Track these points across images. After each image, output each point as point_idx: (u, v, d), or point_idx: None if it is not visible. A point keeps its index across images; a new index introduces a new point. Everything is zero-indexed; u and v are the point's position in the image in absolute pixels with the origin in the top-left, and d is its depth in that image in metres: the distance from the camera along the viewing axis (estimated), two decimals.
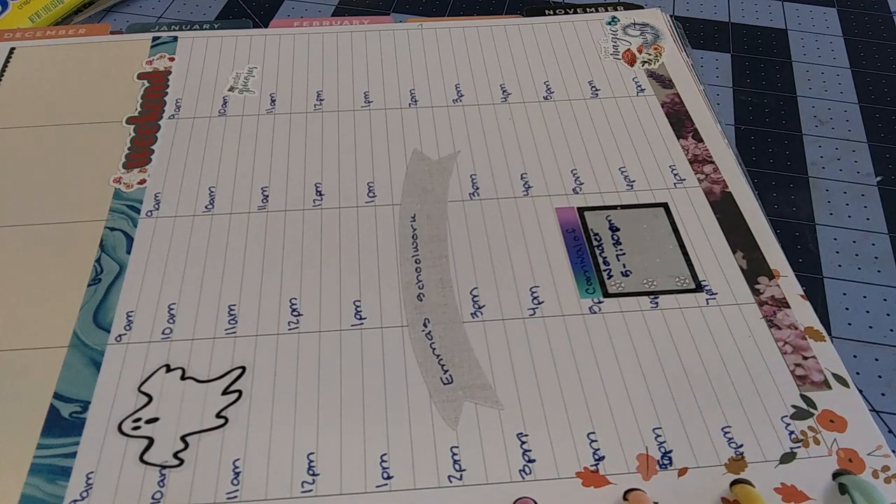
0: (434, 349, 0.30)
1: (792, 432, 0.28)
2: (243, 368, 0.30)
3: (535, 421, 0.28)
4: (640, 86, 0.41)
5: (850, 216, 0.37)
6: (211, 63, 0.42)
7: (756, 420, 0.28)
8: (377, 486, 0.27)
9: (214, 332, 0.31)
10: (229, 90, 0.41)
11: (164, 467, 0.27)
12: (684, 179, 0.37)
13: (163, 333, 0.31)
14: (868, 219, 0.37)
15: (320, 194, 0.36)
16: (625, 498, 0.26)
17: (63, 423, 0.28)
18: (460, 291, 0.32)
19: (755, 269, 0.33)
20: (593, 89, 0.41)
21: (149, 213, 0.35)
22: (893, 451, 0.27)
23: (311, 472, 0.27)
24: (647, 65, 0.43)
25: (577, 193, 0.36)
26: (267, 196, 0.36)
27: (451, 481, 0.27)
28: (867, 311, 0.33)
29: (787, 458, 0.27)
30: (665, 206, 0.36)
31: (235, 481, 0.27)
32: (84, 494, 0.26)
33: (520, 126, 0.39)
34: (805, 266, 0.35)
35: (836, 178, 0.39)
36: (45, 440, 0.28)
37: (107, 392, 0.29)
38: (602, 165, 0.37)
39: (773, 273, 0.33)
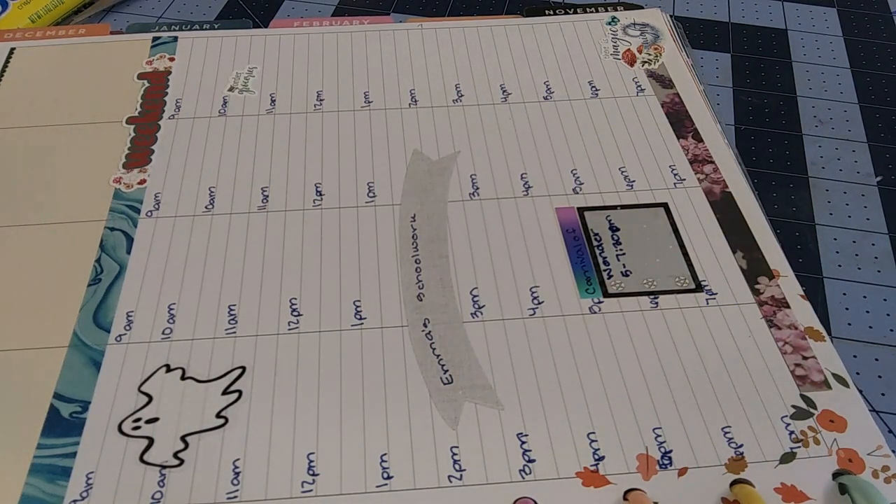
0: (434, 349, 0.30)
1: (792, 432, 0.28)
2: (243, 368, 0.30)
3: (535, 421, 0.28)
4: (640, 86, 0.41)
5: (850, 216, 0.37)
6: (211, 63, 0.42)
7: (756, 420, 0.28)
8: (377, 486, 0.27)
9: (214, 332, 0.31)
10: (229, 90, 0.41)
11: (164, 467, 0.27)
12: (684, 179, 0.37)
13: (163, 333, 0.31)
14: (868, 219, 0.37)
15: (320, 194, 0.36)
16: (625, 498, 0.26)
17: (63, 423, 0.28)
18: (460, 291, 0.32)
19: (755, 269, 0.33)
20: (593, 89, 0.41)
21: (149, 213, 0.35)
22: (893, 451, 0.27)
23: (311, 472, 0.27)
24: (647, 65, 0.43)
25: (577, 193, 0.36)
26: (267, 196, 0.36)
27: (451, 481, 0.27)
28: (867, 311, 0.33)
29: (787, 458, 0.27)
30: (665, 206, 0.36)
31: (235, 481, 0.27)
32: (84, 494, 0.26)
33: (520, 126, 0.39)
34: (805, 266, 0.35)
35: (836, 178, 0.39)
36: (45, 440, 0.28)
37: (107, 392, 0.29)
38: (602, 165, 0.37)
39: (773, 273, 0.33)
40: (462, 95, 0.41)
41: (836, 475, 0.27)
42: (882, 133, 0.41)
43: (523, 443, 0.28)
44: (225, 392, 0.29)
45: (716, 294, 0.32)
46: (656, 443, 0.28)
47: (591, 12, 0.46)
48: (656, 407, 0.29)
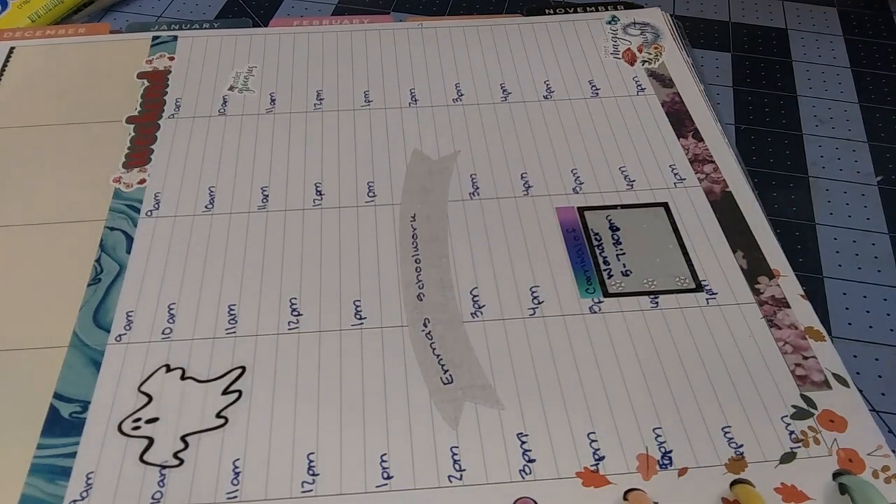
0: (434, 349, 0.30)
1: (792, 432, 0.28)
2: (243, 368, 0.30)
3: (535, 421, 0.28)
4: (640, 85, 0.41)
5: (850, 216, 0.37)
6: (211, 62, 0.42)
7: (756, 420, 0.28)
8: (377, 486, 0.27)
9: (214, 332, 0.31)
10: (229, 89, 0.41)
11: (164, 467, 0.27)
12: (684, 179, 0.37)
13: (163, 333, 0.31)
14: (868, 219, 0.37)
15: (320, 194, 0.36)
16: (625, 498, 0.26)
17: (63, 423, 0.28)
18: (460, 291, 0.32)
19: (755, 269, 0.33)
20: (593, 89, 0.41)
21: (149, 213, 0.35)
22: (893, 451, 0.27)
23: (311, 472, 0.27)
24: (647, 64, 0.43)
25: (578, 193, 0.36)
26: (267, 196, 0.36)
27: (451, 481, 0.27)
28: (867, 311, 0.33)
29: (787, 458, 0.27)
30: (665, 205, 0.36)
31: (235, 481, 0.27)
32: (84, 494, 0.26)
33: (520, 126, 0.39)
34: (805, 266, 0.35)
35: (836, 178, 0.39)
36: (45, 440, 0.28)
37: (107, 392, 0.29)
38: (602, 165, 0.37)
39: (773, 273, 0.33)
40: (462, 95, 0.41)
41: (836, 475, 0.27)
42: (882, 133, 0.41)
43: (523, 443, 0.28)
44: (225, 392, 0.29)
45: (716, 294, 0.32)
46: (656, 443, 0.28)
47: (592, 11, 0.46)
48: (656, 407, 0.29)
